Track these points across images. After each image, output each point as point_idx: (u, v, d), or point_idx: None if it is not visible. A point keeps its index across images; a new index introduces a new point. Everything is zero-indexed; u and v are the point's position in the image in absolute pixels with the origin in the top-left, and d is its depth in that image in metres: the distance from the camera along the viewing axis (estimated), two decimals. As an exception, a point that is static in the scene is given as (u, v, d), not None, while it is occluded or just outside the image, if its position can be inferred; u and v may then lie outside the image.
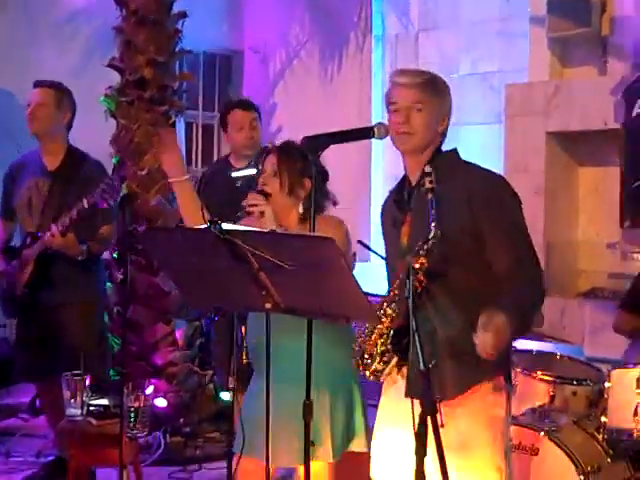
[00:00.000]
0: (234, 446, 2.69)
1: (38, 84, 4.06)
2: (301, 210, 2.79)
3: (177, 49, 5.13)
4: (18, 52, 5.74)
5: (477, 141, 5.82)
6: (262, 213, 2.70)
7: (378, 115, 6.59)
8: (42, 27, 5.98)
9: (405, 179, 2.58)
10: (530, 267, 2.45)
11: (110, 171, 4.92)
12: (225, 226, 2.20)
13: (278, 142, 3.02)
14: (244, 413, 2.66)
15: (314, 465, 2.45)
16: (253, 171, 2.73)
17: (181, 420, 4.66)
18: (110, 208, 3.72)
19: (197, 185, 4.11)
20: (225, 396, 4.79)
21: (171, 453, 4.45)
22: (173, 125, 5.08)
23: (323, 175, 2.82)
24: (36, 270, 3.92)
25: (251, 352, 2.78)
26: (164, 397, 4.55)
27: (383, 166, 6.71)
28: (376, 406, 2.67)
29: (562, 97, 5.18)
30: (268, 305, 2.35)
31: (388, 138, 2.51)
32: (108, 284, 4.85)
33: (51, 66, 5.81)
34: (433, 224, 2.23)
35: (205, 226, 2.23)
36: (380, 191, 6.60)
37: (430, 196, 2.23)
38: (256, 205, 2.72)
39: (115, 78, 5.04)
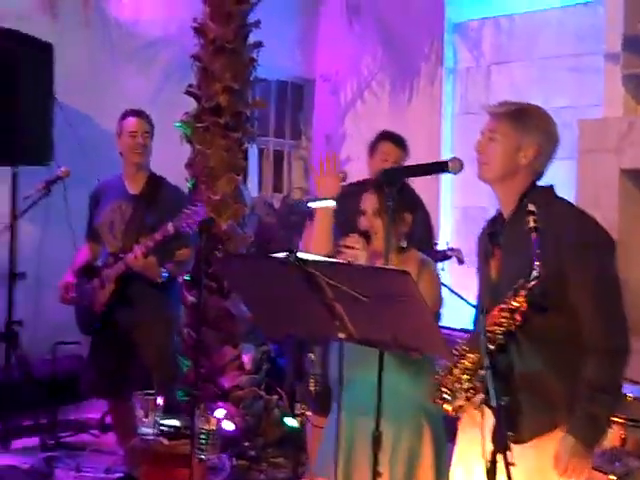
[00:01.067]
0: (309, 470, 2.73)
1: (136, 114, 4.17)
2: (404, 244, 2.81)
3: (252, 77, 5.21)
4: (98, 78, 5.88)
5: (549, 176, 5.74)
6: (355, 256, 2.70)
7: (447, 148, 6.58)
8: (122, 54, 6.12)
9: (499, 212, 2.53)
10: (615, 334, 2.33)
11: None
12: (302, 255, 2.23)
13: (365, 179, 2.98)
14: (324, 440, 2.69)
15: None
16: (332, 203, 2.75)
17: (246, 444, 4.67)
18: (189, 232, 3.80)
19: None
20: (290, 421, 4.81)
21: (236, 476, 4.45)
22: (246, 152, 5.17)
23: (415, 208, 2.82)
24: (116, 289, 4.01)
25: (333, 382, 2.79)
26: (231, 420, 4.57)
27: (451, 197, 6.68)
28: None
29: (636, 134, 5.11)
30: (342, 335, 2.37)
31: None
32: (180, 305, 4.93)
33: (129, 92, 5.96)
34: (537, 263, 2.16)
35: (282, 255, 2.25)
36: (449, 223, 6.58)
37: (534, 236, 2.17)
38: (352, 248, 2.71)
39: (191, 104, 5.14)
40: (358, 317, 2.30)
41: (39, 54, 4.96)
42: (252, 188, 6.42)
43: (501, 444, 2.10)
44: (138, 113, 4.18)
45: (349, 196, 2.96)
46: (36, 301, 4.94)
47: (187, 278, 4.95)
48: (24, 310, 4.90)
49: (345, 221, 2.94)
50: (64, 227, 5.12)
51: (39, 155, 4.94)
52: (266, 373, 5.08)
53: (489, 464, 2.11)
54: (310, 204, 2.83)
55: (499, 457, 2.10)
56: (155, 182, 4.18)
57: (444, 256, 4.49)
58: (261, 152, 7.23)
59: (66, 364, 5.41)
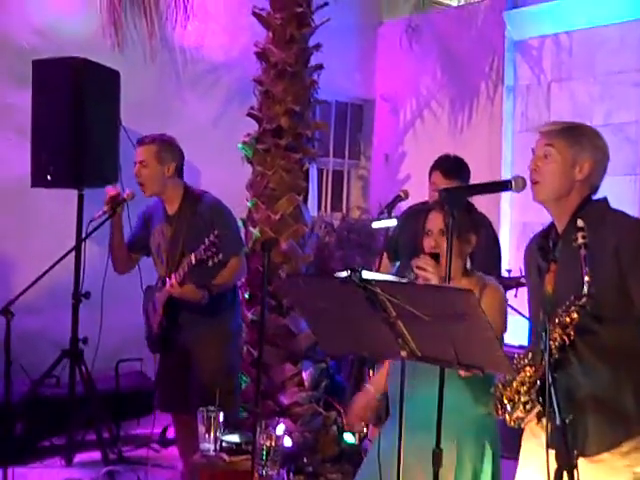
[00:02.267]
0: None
1: (138, 142, 4.15)
2: (469, 265, 2.81)
3: (312, 99, 5.26)
4: (163, 103, 6.03)
5: (611, 193, 5.67)
6: (427, 279, 2.69)
7: (508, 166, 6.55)
8: (186, 79, 6.28)
9: (552, 226, 2.53)
10: None
11: (245, 214, 5.10)
12: (365, 274, 2.26)
13: (433, 199, 2.98)
14: (371, 451, 2.71)
15: None
16: (394, 222, 2.77)
17: (304, 459, 4.69)
18: (237, 244, 3.81)
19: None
20: (348, 438, 4.82)
21: (294, 492, 4.49)
22: (306, 172, 5.21)
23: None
24: (166, 314, 4.09)
25: (390, 397, 2.81)
26: (289, 436, 4.61)
27: (510, 213, 6.64)
28: (509, 458, 2.65)
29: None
30: (404, 353, 2.39)
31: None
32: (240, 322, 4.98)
33: (193, 115, 6.09)
34: (587, 279, 2.17)
35: (345, 274, 2.28)
36: (507, 240, 6.54)
37: (583, 252, 2.18)
38: (425, 270, 2.72)
39: (253, 126, 5.22)
40: (420, 335, 2.31)
41: (106, 81, 5.09)
42: (312, 207, 6.47)
43: (567, 462, 2.09)
44: (140, 141, 4.14)
45: (413, 216, 2.97)
46: (100, 320, 5.03)
47: (246, 296, 5.01)
48: (88, 328, 4.98)
49: (409, 241, 2.95)
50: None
51: (105, 177, 5.05)
52: (325, 389, 5.10)
53: (554, 480, 2.10)
54: (374, 224, 2.85)
55: (565, 475, 2.09)
56: (191, 199, 4.15)
57: (518, 283, 4.42)
58: (320, 172, 7.29)
59: (128, 380, 5.54)
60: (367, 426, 3.16)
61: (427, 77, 7.10)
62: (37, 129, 4.98)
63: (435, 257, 2.74)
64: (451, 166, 4.09)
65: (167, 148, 4.12)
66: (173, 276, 3.95)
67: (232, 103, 6.15)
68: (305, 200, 5.47)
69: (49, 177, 4.89)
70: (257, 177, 5.08)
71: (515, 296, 4.42)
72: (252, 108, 5.17)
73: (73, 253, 4.71)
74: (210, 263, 3.74)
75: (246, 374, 4.91)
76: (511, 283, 4.41)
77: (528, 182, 2.47)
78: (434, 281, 2.66)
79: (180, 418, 4.33)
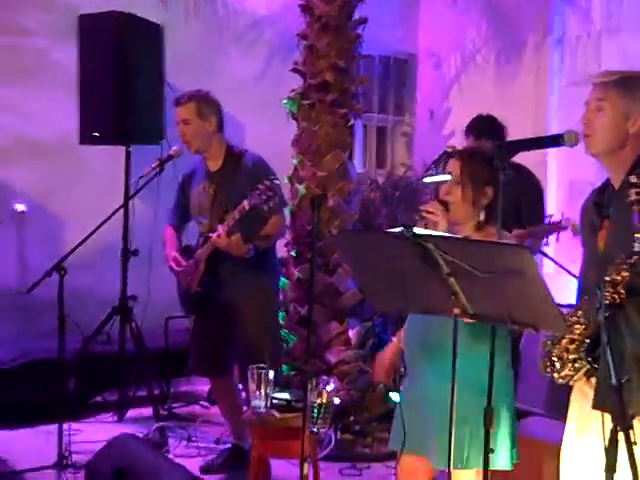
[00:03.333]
0: (390, 442, 2.79)
1: (176, 102, 4.17)
2: (482, 218, 2.78)
3: (356, 53, 5.19)
4: (206, 59, 6.01)
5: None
6: (436, 224, 2.70)
7: (554, 121, 6.43)
8: (227, 34, 6.23)
9: (609, 182, 2.47)
10: None
11: (291, 171, 5.08)
12: (418, 230, 2.23)
13: (461, 147, 3.01)
14: (404, 411, 2.71)
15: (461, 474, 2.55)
16: (447, 177, 2.73)
17: (351, 418, 4.71)
18: (278, 202, 3.80)
19: None
20: (394, 396, 4.83)
21: (342, 450, 4.51)
22: (351, 128, 5.16)
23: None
24: (207, 270, 4.08)
25: (410, 353, 2.81)
26: (336, 394, 4.62)
27: (556, 171, 6.54)
28: (556, 418, 2.62)
29: None
30: (456, 310, 2.36)
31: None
32: (285, 280, 4.99)
33: (235, 71, 6.07)
34: (638, 236, 2.13)
35: (398, 230, 2.26)
36: (553, 198, 6.44)
37: (637, 209, 2.12)
38: (433, 214, 2.72)
39: (296, 82, 5.18)
40: (473, 293, 2.28)
41: (149, 36, 5.08)
42: (357, 164, 6.43)
43: (623, 422, 2.05)
44: (178, 100, 4.16)
45: None
46: (148, 277, 5.08)
47: (293, 254, 5.01)
48: (137, 286, 5.04)
49: None
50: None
51: (151, 134, 5.06)
52: (371, 348, 5.10)
53: (609, 442, 2.07)
54: (426, 180, 2.81)
55: (620, 435, 2.06)
56: (233, 156, 4.16)
57: (559, 227, 4.38)
58: (364, 128, 7.23)
59: (177, 338, 5.54)
60: (395, 380, 3.17)
61: (472, 30, 6.97)
62: (83, 85, 5.01)
63: (444, 204, 2.73)
64: (484, 127, 4.11)
65: (205, 103, 4.14)
66: (220, 227, 3.91)
67: (275, 58, 6.12)
68: (351, 157, 5.43)
69: (96, 134, 4.92)
70: (302, 133, 5.04)
71: (557, 240, 4.37)
72: (296, 63, 5.12)
73: (121, 210, 4.74)
74: (265, 207, 3.70)
75: (293, 332, 4.93)
76: (551, 228, 4.36)
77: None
78: (442, 225, 2.67)
79: (219, 380, 4.35)
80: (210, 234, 4.02)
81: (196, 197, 4.22)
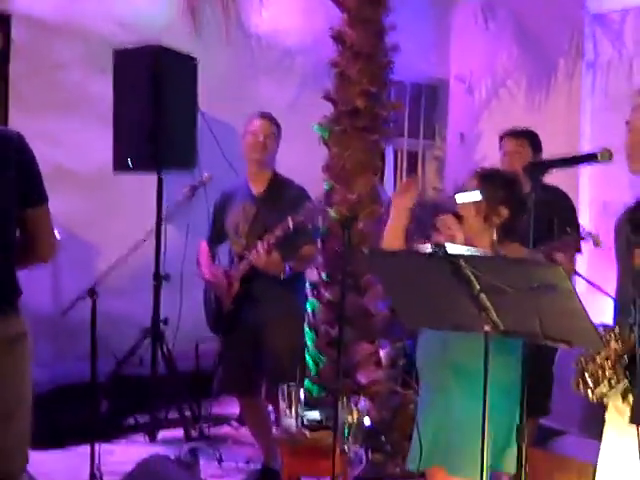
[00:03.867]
0: (408, 462, 2.84)
1: (263, 116, 4.32)
2: (495, 237, 2.82)
3: (387, 80, 5.25)
4: (239, 88, 6.09)
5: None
6: (452, 237, 2.75)
7: (587, 144, 6.43)
8: (261, 63, 6.32)
9: None
10: None
11: (321, 196, 5.13)
12: (449, 248, 2.26)
13: (482, 168, 3.05)
14: (420, 426, 2.73)
15: None
16: (478, 196, 2.76)
17: (382, 438, 4.71)
18: (312, 228, 3.88)
19: None
20: None
21: (373, 470, 4.50)
22: (382, 153, 5.21)
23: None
24: (241, 289, 4.13)
25: (426, 368, 2.83)
26: (367, 414, 4.63)
27: (589, 191, 6.52)
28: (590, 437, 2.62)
29: None
30: (487, 327, 2.38)
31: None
32: (315, 303, 5.03)
33: (268, 99, 6.13)
34: None
35: (430, 249, 2.29)
36: (586, 219, 6.42)
37: None
38: (449, 228, 2.76)
39: (328, 109, 5.24)
40: (504, 308, 2.31)
41: (184, 67, 5.18)
42: (387, 188, 6.46)
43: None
44: (263, 115, 4.32)
45: None
46: (179, 301, 5.14)
47: (324, 277, 5.05)
48: (169, 309, 5.10)
49: None
50: (205, 231, 5.34)
51: (184, 161, 5.14)
52: (402, 368, 5.10)
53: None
54: (457, 197, 2.85)
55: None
56: (278, 182, 4.28)
57: (577, 238, 4.34)
58: (396, 152, 7.27)
59: (207, 360, 5.59)
60: None
61: (503, 55, 7.00)
62: (118, 117, 5.11)
63: (458, 217, 2.80)
64: (521, 130, 4.26)
65: (279, 129, 4.35)
66: (259, 244, 3.97)
67: (307, 87, 6.18)
68: (381, 180, 5.47)
69: (130, 162, 5.00)
70: (333, 158, 5.09)
71: (579, 252, 4.33)
72: (327, 91, 5.19)
73: (154, 236, 4.82)
74: (310, 226, 3.82)
75: (323, 353, 4.95)
76: (570, 240, 4.33)
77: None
78: (459, 239, 2.74)
79: (248, 400, 4.38)
80: (245, 253, 4.07)
81: (234, 216, 4.29)
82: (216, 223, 4.43)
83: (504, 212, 2.83)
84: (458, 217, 2.81)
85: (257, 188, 4.27)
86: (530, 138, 4.29)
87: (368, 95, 5.06)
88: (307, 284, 4.71)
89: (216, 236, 4.44)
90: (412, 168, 7.48)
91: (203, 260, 4.38)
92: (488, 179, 2.88)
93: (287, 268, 4.07)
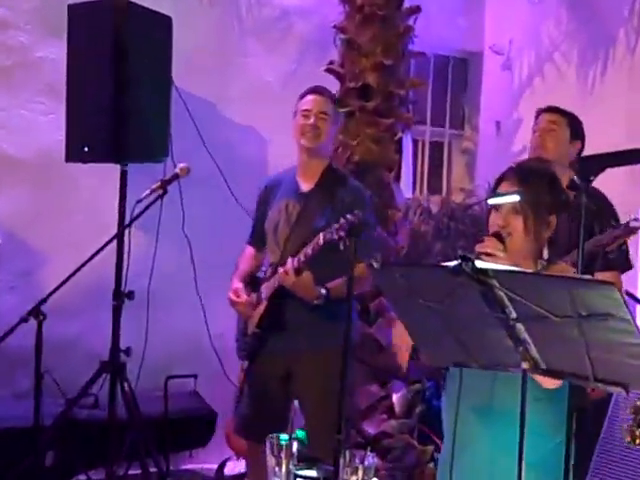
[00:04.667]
0: None
1: (314, 91, 4.26)
2: (546, 255, 2.84)
3: (406, 51, 5.27)
4: (223, 58, 6.09)
5: None
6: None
7: (653, 134, 6.44)
8: (250, 26, 6.33)
9: None
10: None
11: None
12: (479, 264, 2.25)
13: (517, 164, 3.05)
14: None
15: None
16: (516, 198, 2.76)
17: (395, 503, 4.72)
18: (340, 245, 3.73)
19: None
20: None
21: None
22: (399, 142, 5.21)
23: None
24: (269, 309, 4.13)
25: (455, 417, 2.83)
26: (376, 474, 4.62)
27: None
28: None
29: None
30: (525, 364, 2.39)
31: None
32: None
33: (258, 71, 6.16)
34: None
35: (455, 263, 2.28)
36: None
37: None
38: (491, 255, 2.75)
39: (332, 85, 5.25)
40: (547, 342, 2.31)
41: (156, 29, 5.15)
42: (405, 187, 6.47)
43: None
44: (318, 90, 4.26)
45: None
46: (146, 325, 5.14)
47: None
48: (132, 336, 5.08)
49: None
50: (179, 236, 5.36)
51: (153, 150, 5.13)
52: (419, 417, 5.09)
53: None
54: (491, 201, 2.85)
55: None
56: (333, 176, 4.21)
57: (628, 231, 4.34)
58: (415, 143, 7.27)
59: (179, 402, 5.59)
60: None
61: (549, 23, 7.01)
62: (72, 89, 5.08)
63: (499, 237, 2.78)
64: (561, 108, 4.40)
65: (335, 107, 4.29)
66: (289, 261, 3.95)
67: (307, 56, 6.20)
68: (397, 178, 5.47)
69: (86, 149, 5.00)
70: (338, 149, 5.11)
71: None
72: (331, 62, 5.20)
73: (114, 243, 4.81)
74: (341, 246, 3.63)
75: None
76: (619, 233, 4.33)
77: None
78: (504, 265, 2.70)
79: (259, 446, 4.35)
80: (280, 266, 4.05)
81: (275, 215, 4.25)
82: (257, 221, 4.40)
83: (553, 221, 2.85)
84: (500, 237, 2.80)
85: (306, 182, 4.23)
86: (570, 119, 4.37)
87: (382, 69, 5.09)
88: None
89: (259, 238, 4.40)
90: (436, 163, 7.48)
91: (237, 272, 4.36)
92: (530, 178, 2.87)
93: (323, 292, 4.03)
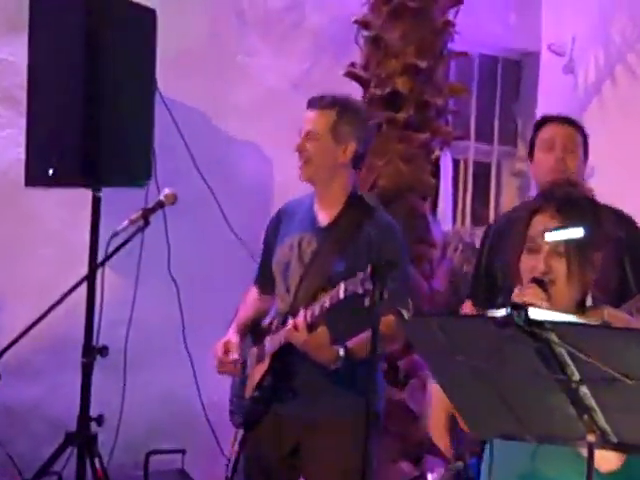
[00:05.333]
0: None
1: (311, 103, 4.23)
2: (589, 302, 2.86)
3: (445, 50, 5.30)
4: (218, 55, 6.11)
5: None
6: None
7: None
8: (250, 21, 6.37)
9: None
10: None
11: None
12: (534, 313, 2.26)
13: (551, 191, 3.04)
14: None
15: None
16: (580, 232, 2.77)
17: None
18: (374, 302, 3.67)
19: (482, 240, 4.26)
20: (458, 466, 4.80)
21: None
22: (436, 163, 5.23)
23: None
24: (272, 368, 4.12)
25: None
26: None
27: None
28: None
29: None
30: (591, 437, 2.38)
31: None
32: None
33: (262, 74, 6.18)
34: None
35: (503, 312, 2.29)
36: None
37: None
38: (533, 305, 2.76)
39: (354, 92, 5.29)
40: (618, 410, 2.31)
41: (136, 24, 5.20)
42: (443, 218, 6.49)
43: None
44: (312, 102, 4.22)
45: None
46: (123, 388, 5.15)
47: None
48: (105, 401, 5.10)
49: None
50: (164, 278, 5.37)
51: (133, 172, 5.16)
52: (462, 503, 5.10)
53: None
54: (547, 237, 2.86)
55: None
56: (358, 209, 4.18)
57: None
58: (456, 164, 7.30)
59: (162, 481, 5.63)
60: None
61: (621, 16, 7.05)
62: (35, 97, 5.12)
63: (543, 285, 2.79)
64: (567, 117, 4.35)
65: (350, 120, 4.18)
66: (302, 312, 3.90)
67: (322, 58, 6.23)
68: (434, 207, 5.49)
69: (51, 171, 5.03)
70: (361, 170, 5.13)
71: None
72: (352, 65, 5.24)
73: (84, 286, 4.83)
74: (366, 303, 3.56)
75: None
76: None
77: None
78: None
79: None
80: (290, 315, 4.02)
81: (285, 252, 4.20)
82: (265, 257, 4.39)
83: (598, 260, 2.86)
84: (542, 284, 2.82)
85: (324, 215, 4.20)
86: (583, 133, 4.34)
87: (414, 73, 5.13)
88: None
89: (266, 279, 4.36)
90: (481, 187, 7.49)
91: (237, 317, 4.37)
92: (572, 211, 2.88)
93: (341, 353, 3.99)
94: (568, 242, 2.81)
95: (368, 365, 3.74)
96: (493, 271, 4.10)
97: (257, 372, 4.17)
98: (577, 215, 2.84)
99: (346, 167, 4.18)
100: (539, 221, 2.89)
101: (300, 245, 4.16)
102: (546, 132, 4.28)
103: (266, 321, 4.33)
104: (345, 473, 3.99)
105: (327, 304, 3.78)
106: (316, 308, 3.82)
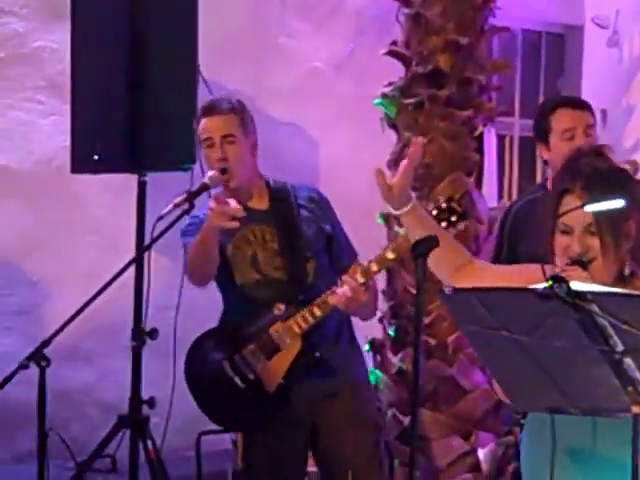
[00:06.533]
0: None
1: (208, 112, 4.35)
2: (627, 271, 2.85)
3: (487, 26, 5.28)
4: (257, 40, 6.13)
5: None
6: None
7: None
8: (292, 2, 6.36)
9: None
10: None
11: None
12: (575, 286, 2.26)
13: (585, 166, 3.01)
14: None
15: None
16: (620, 203, 2.75)
17: None
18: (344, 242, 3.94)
19: (500, 224, 4.26)
20: None
21: None
22: (480, 139, 5.21)
23: None
24: (303, 348, 4.15)
25: (543, 461, 2.84)
26: None
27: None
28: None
29: None
30: (636, 408, 2.38)
31: None
32: (379, 375, 5.04)
33: (304, 56, 6.18)
34: None
35: (543, 285, 2.29)
36: None
37: None
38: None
39: (396, 71, 5.28)
40: (663, 380, 2.31)
41: (178, 8, 5.19)
42: (489, 194, 6.46)
43: None
44: (208, 110, 4.35)
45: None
46: (173, 370, 5.16)
47: (390, 332, 5.05)
48: (156, 384, 5.12)
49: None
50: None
51: (177, 156, 5.17)
52: (513, 477, 5.08)
53: None
54: (588, 208, 2.85)
55: None
56: (277, 188, 4.39)
57: None
58: (501, 140, 7.27)
59: (215, 463, 5.63)
60: None
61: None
62: (79, 84, 5.14)
63: (583, 265, 2.78)
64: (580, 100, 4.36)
65: (247, 113, 4.34)
66: (346, 277, 3.98)
67: (363, 36, 6.22)
68: (479, 183, 5.47)
69: (96, 157, 5.05)
70: (404, 148, 5.12)
71: None
72: (394, 43, 5.23)
73: (132, 270, 4.86)
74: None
75: (391, 451, 4.95)
76: None
77: None
78: None
79: None
80: (280, 304, 4.12)
81: (242, 248, 4.32)
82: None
83: (632, 228, 2.85)
84: (582, 264, 2.80)
85: (259, 202, 4.38)
86: (593, 112, 4.35)
87: (456, 49, 5.11)
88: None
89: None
90: (527, 163, 7.46)
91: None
92: (601, 183, 2.85)
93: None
94: (599, 219, 2.80)
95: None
96: (516, 255, 4.10)
97: (282, 360, 4.18)
98: (605, 189, 2.82)
99: (255, 158, 4.38)
100: (568, 202, 2.88)
101: (254, 237, 4.29)
102: (565, 120, 4.28)
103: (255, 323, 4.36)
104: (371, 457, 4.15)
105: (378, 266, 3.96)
106: (373, 264, 3.95)
